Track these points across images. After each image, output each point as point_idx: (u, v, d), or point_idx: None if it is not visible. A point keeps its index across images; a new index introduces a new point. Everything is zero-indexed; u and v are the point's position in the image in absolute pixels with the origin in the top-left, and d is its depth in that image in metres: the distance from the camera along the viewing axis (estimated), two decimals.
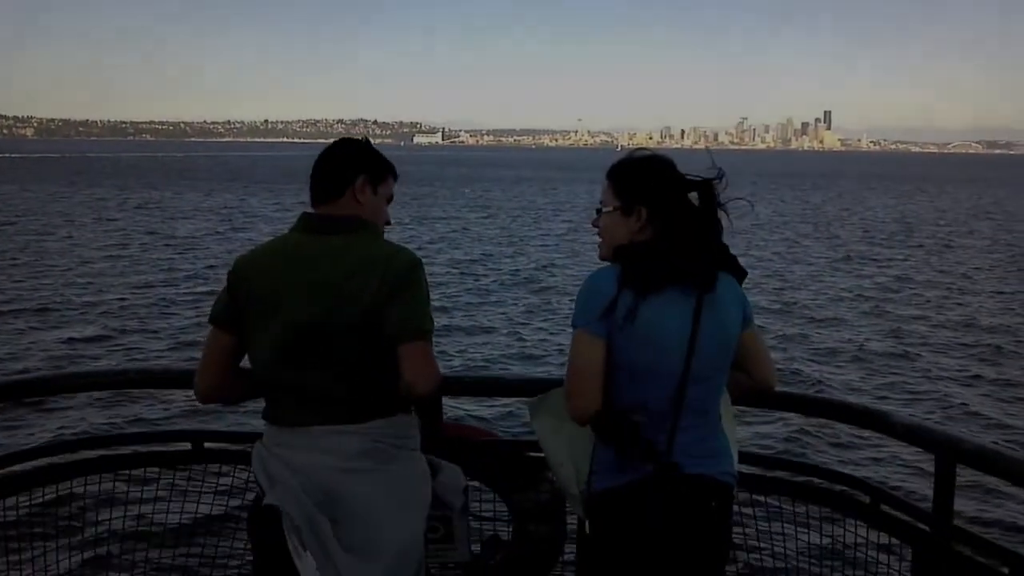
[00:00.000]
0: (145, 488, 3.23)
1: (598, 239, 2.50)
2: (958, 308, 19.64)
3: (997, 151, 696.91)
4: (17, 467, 2.87)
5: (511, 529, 3.25)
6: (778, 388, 2.67)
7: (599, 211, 2.50)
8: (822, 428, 10.13)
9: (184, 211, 41.10)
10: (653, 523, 2.28)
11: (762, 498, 3.03)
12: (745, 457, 2.73)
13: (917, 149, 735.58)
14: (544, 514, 3.14)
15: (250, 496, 2.74)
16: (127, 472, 3.09)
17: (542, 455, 2.73)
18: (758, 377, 2.58)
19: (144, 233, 31.20)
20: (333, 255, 2.38)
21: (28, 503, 2.93)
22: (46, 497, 2.98)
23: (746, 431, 9.60)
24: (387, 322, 2.32)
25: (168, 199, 49.08)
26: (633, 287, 2.27)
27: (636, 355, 2.28)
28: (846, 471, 3.17)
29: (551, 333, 16.23)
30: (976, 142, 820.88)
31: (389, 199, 2.59)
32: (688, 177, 2.45)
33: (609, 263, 2.39)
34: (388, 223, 2.59)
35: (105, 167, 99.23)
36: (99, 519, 3.27)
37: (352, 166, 2.51)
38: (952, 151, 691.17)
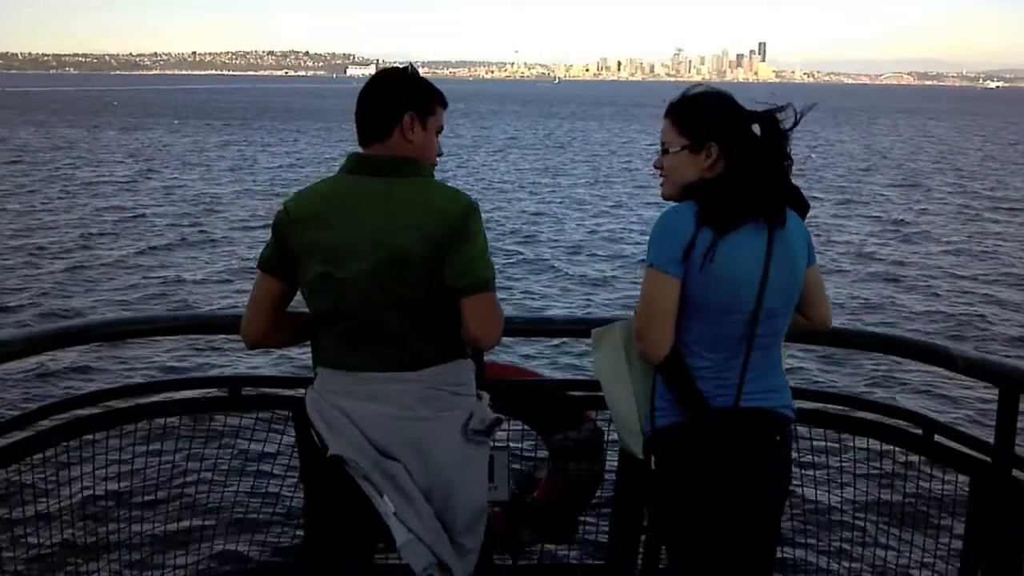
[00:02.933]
0: (182, 436, 3.17)
1: (661, 179, 2.46)
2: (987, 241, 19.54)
3: (928, 82, 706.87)
4: (52, 419, 2.83)
5: (549, 467, 3.38)
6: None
7: (665, 151, 2.43)
8: (877, 363, 10.21)
9: (98, 154, 38.70)
10: (719, 457, 2.31)
11: (819, 431, 3.05)
12: (797, 393, 2.69)
13: (850, 80, 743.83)
14: (583, 452, 3.19)
15: (288, 440, 2.86)
16: (163, 420, 3.03)
17: (583, 394, 2.89)
18: (816, 316, 2.57)
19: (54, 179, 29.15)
20: (386, 198, 2.32)
21: (66, 454, 2.88)
22: (83, 449, 2.92)
23: (798, 365, 9.78)
24: (447, 272, 2.29)
25: (83, 138, 46.45)
26: (712, 226, 2.25)
27: (711, 295, 2.26)
28: (903, 404, 3.18)
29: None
30: (908, 73, 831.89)
31: (439, 131, 2.51)
32: (751, 110, 2.40)
33: (677, 202, 2.36)
34: (440, 154, 2.52)
35: (23, 102, 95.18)
36: (135, 469, 3.21)
37: (398, 103, 2.42)
38: (884, 82, 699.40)
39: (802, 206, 2.42)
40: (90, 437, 2.92)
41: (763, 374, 2.37)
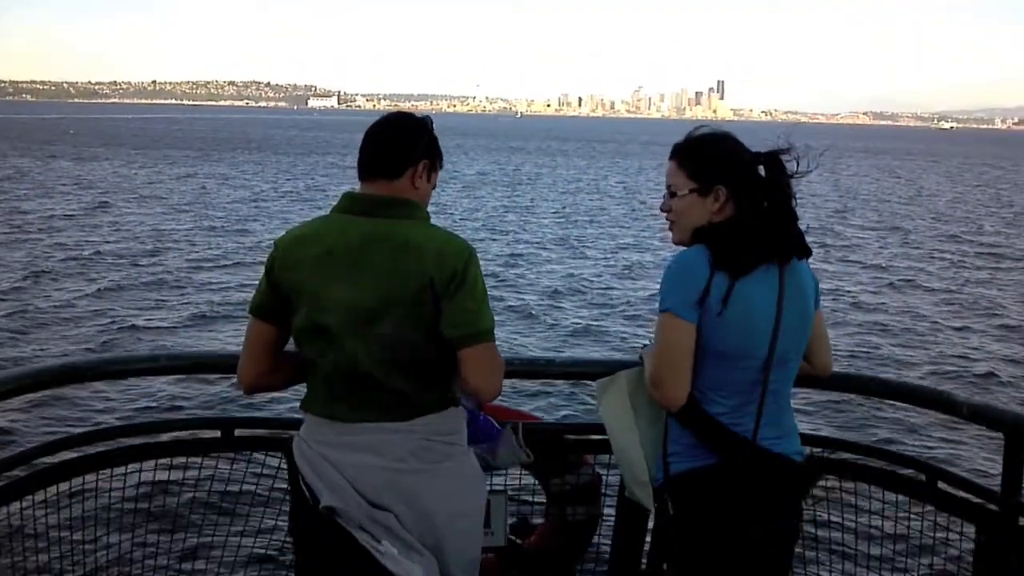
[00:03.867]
0: (173, 477, 3.17)
1: (669, 223, 2.45)
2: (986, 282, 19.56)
3: (883, 122, 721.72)
4: (41, 460, 2.77)
5: (547, 512, 3.37)
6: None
7: (672, 194, 2.41)
8: (878, 409, 10.06)
9: (49, 185, 37.10)
10: (739, 504, 2.28)
11: (819, 478, 3.01)
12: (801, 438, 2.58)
13: (807, 120, 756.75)
14: (582, 497, 3.17)
15: (281, 484, 2.83)
16: (154, 461, 3.00)
17: (582, 437, 2.99)
18: (818, 361, 2.57)
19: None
20: (384, 241, 2.25)
21: (55, 496, 2.82)
22: (72, 489, 2.86)
23: (797, 408, 8.74)
24: (445, 320, 2.24)
25: (36, 168, 44.75)
26: (726, 269, 2.23)
27: (727, 340, 2.25)
28: (902, 451, 3.19)
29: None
30: (864, 113, 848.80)
31: (429, 194, 2.46)
32: (755, 151, 2.42)
33: (687, 247, 2.34)
34: None
35: None
36: (125, 509, 3.15)
37: (417, 147, 2.38)
38: (840, 122, 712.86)
39: (804, 251, 2.38)
40: (81, 480, 2.87)
41: (775, 419, 2.35)
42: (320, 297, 2.27)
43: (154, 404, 9.89)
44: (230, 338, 13.11)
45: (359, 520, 2.26)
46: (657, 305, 2.34)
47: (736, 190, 2.34)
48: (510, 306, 16.31)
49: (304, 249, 2.32)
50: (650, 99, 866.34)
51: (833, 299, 17.11)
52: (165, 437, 3.12)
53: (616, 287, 18.60)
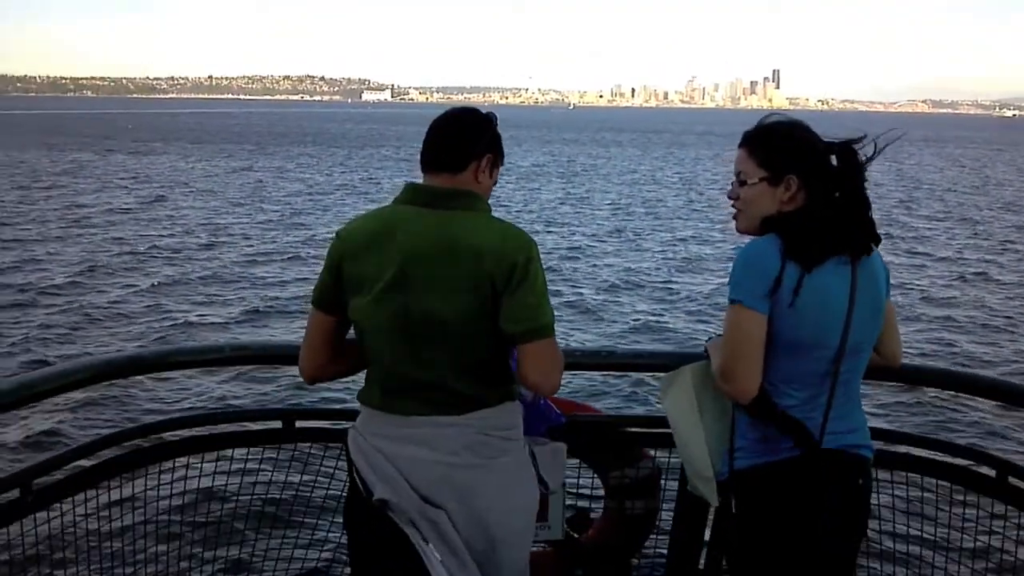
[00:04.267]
0: (234, 469, 3.10)
1: (735, 211, 2.39)
2: None
3: (943, 110, 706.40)
4: (105, 453, 2.78)
5: (605, 506, 3.32)
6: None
7: (741, 182, 2.36)
8: (944, 401, 9.83)
9: (106, 179, 37.49)
10: (808, 501, 2.25)
11: (885, 472, 2.92)
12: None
13: (864, 108, 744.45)
14: (641, 491, 3.12)
15: (341, 476, 2.75)
16: (215, 453, 3.00)
17: (641, 430, 2.91)
18: (888, 351, 2.52)
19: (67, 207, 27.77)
20: (445, 234, 2.23)
21: (119, 487, 2.84)
22: (135, 482, 2.89)
23: (865, 402, 8.63)
24: (505, 315, 2.21)
25: (94, 162, 45.35)
26: (798, 260, 2.19)
27: (798, 331, 2.21)
28: (970, 444, 3.19)
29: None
30: (922, 101, 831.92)
31: (494, 184, 2.44)
32: (828, 140, 2.34)
33: (753, 235, 2.32)
34: None
35: (39, 125, 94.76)
36: (186, 503, 3.21)
37: (482, 141, 2.36)
38: (899, 110, 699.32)
39: (875, 239, 2.32)
40: (144, 469, 2.89)
41: (846, 412, 2.32)
42: (374, 286, 2.26)
43: (211, 398, 9.82)
44: (285, 335, 12.91)
45: (410, 515, 2.25)
46: (724, 297, 2.30)
47: (808, 180, 2.29)
48: (567, 300, 15.93)
49: (365, 240, 2.30)
50: (704, 89, 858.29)
51: (902, 293, 16.51)
52: (225, 428, 3.09)
53: (676, 281, 18.14)
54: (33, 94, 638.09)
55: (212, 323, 13.81)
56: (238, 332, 13.33)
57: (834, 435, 2.28)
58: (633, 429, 3.11)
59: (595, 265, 19.69)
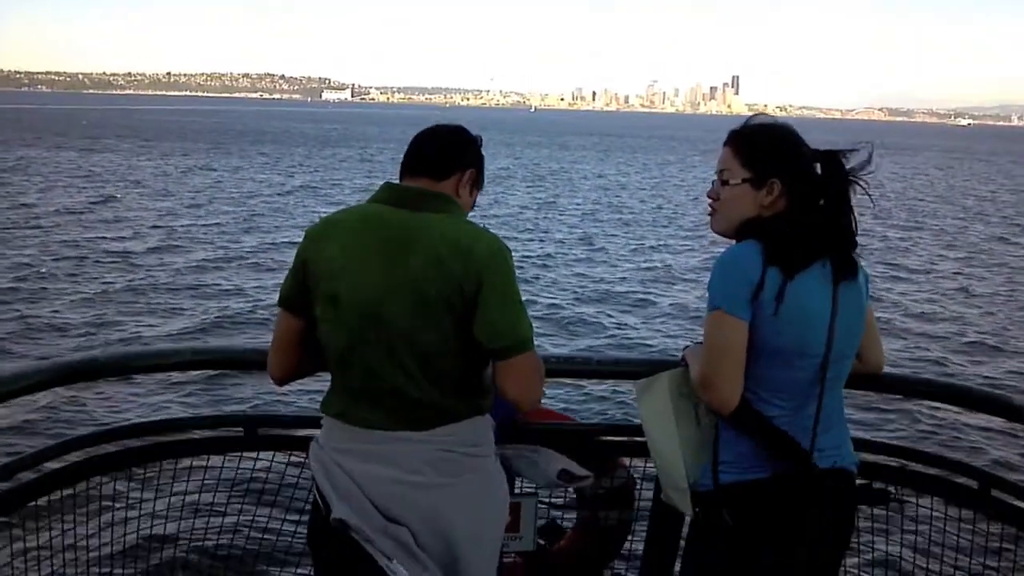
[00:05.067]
0: (194, 477, 2.95)
1: (710, 210, 2.37)
2: None
3: (898, 118, 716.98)
4: (60, 459, 2.70)
5: (578, 516, 3.30)
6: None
7: (724, 182, 2.30)
8: (925, 411, 9.72)
9: (53, 178, 35.98)
10: (794, 519, 2.20)
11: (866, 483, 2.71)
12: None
13: (821, 115, 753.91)
14: (615, 501, 3.11)
15: (305, 485, 2.70)
16: (174, 460, 2.88)
17: (616, 439, 2.90)
18: (870, 358, 2.50)
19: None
20: (417, 237, 2.15)
21: (72, 495, 2.71)
22: (91, 489, 2.77)
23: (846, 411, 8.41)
24: (479, 327, 2.12)
25: (41, 159, 43.66)
26: (780, 266, 2.14)
27: (780, 338, 2.15)
28: (953, 457, 3.03)
29: None
30: (879, 109, 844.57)
31: (471, 208, 2.37)
32: (813, 148, 2.31)
33: (727, 238, 2.31)
34: None
35: None
36: (142, 512, 3.03)
37: (468, 155, 2.34)
38: (855, 117, 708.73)
39: (852, 244, 2.28)
40: (98, 478, 2.77)
41: (833, 423, 2.27)
42: (345, 292, 2.18)
43: (171, 403, 9.47)
44: (245, 342, 11.86)
45: (371, 534, 2.15)
46: (697, 308, 1.99)
47: (791, 185, 2.24)
48: (538, 310, 15.30)
49: (333, 240, 2.22)
50: (664, 94, 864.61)
51: (880, 306, 15.97)
52: (184, 436, 2.98)
53: (648, 291, 17.63)
54: None
55: (162, 334, 12.88)
56: (190, 343, 12.27)
57: (823, 452, 2.22)
58: (608, 438, 3.06)
59: (565, 274, 19.09)
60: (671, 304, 16.09)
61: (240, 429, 2.97)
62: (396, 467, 2.19)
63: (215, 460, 3.01)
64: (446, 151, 2.31)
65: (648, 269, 19.91)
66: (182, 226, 23.45)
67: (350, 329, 2.19)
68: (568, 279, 18.50)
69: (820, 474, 2.21)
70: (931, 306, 16.81)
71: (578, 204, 33.18)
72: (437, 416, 2.21)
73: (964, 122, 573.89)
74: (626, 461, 3.08)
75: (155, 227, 23.06)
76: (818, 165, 2.29)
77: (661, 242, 24.07)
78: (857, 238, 2.29)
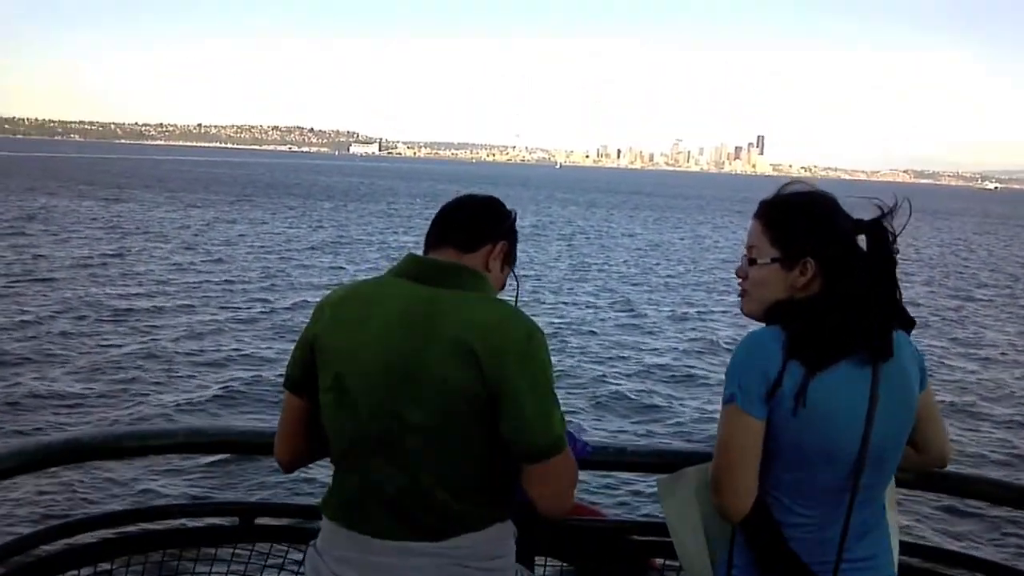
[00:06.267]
0: (183, 569, 2.75)
1: (740, 289, 2.12)
2: None
3: (924, 180, 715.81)
4: (31, 553, 2.52)
5: None
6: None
7: (752, 260, 2.06)
8: (985, 511, 8.70)
9: (71, 228, 34.99)
10: None
11: None
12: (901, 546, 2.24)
13: (847, 176, 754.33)
14: None
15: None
16: (161, 552, 2.68)
17: (649, 539, 2.71)
18: (931, 450, 2.18)
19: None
20: (431, 313, 1.91)
21: None
22: None
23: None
24: (506, 425, 1.88)
25: (62, 207, 42.86)
26: (803, 359, 1.88)
27: (803, 437, 1.90)
28: (1012, 565, 2.73)
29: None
30: (904, 171, 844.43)
31: (502, 287, 2.15)
32: (857, 218, 2.04)
33: (759, 321, 2.05)
34: None
35: (21, 168, 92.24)
36: None
37: (501, 227, 2.11)
38: (881, 179, 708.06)
39: (906, 322, 2.02)
40: (76, 573, 2.56)
41: (867, 532, 1.99)
42: (354, 379, 1.94)
43: (163, 486, 8.82)
44: (246, 421, 10.88)
45: None
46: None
47: (828, 264, 1.97)
48: (572, 381, 14.04)
49: (343, 316, 2.00)
50: (689, 152, 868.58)
51: (944, 385, 14.86)
52: (175, 524, 2.70)
53: (692, 364, 16.19)
54: (20, 136, 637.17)
55: (158, 407, 11.61)
56: (186, 420, 11.11)
57: (854, 564, 1.95)
58: (640, 537, 2.71)
59: (602, 343, 17.71)
60: (718, 382, 14.52)
61: (236, 518, 2.75)
62: None
63: (207, 551, 2.75)
64: (477, 220, 2.09)
65: (693, 340, 18.46)
66: (194, 283, 22.20)
67: (357, 420, 1.94)
68: (605, 349, 17.12)
69: None
70: (997, 383, 15.46)
71: (613, 265, 31.76)
72: (452, 524, 1.94)
73: (991, 186, 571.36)
74: (658, 562, 2.79)
75: (165, 283, 21.89)
76: (861, 236, 2.01)
77: (703, 309, 22.56)
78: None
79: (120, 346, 14.82)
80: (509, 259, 2.14)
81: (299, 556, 2.60)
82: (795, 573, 1.93)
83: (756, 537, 1.96)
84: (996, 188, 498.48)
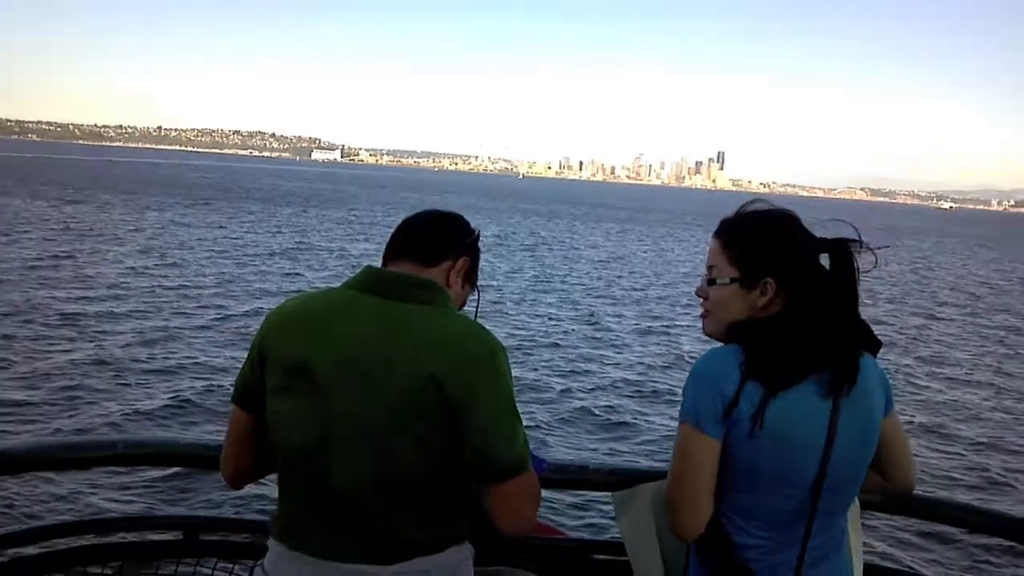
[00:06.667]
0: None
1: (701, 310, 2.08)
2: None
3: (880, 199, 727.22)
4: None
5: None
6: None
7: (711, 281, 2.03)
8: (955, 534, 8.47)
9: (20, 228, 33.97)
10: None
11: None
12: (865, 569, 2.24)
13: (804, 193, 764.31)
14: None
15: None
16: (100, 566, 2.60)
17: (611, 557, 2.65)
18: (895, 475, 2.13)
19: None
20: (389, 328, 1.83)
21: None
22: None
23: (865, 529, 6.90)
24: (468, 444, 1.80)
25: (11, 207, 41.60)
26: (761, 380, 1.84)
27: (759, 460, 1.86)
28: None
29: None
30: (861, 189, 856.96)
31: (462, 305, 2.08)
32: (819, 237, 2.00)
33: (721, 342, 1.99)
34: None
35: None
36: None
37: (464, 240, 2.06)
38: (838, 196, 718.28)
39: (872, 344, 1.97)
40: None
41: (824, 556, 1.95)
42: (304, 394, 1.84)
43: (104, 500, 8.39)
44: (190, 434, 10.31)
45: None
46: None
47: (789, 285, 1.93)
48: (536, 395, 13.60)
49: (294, 328, 1.90)
50: (650, 166, 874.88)
51: (910, 405, 14.71)
52: (115, 538, 2.62)
53: (660, 379, 15.82)
54: None
55: (97, 419, 10.99)
56: (132, 430, 10.61)
57: None
58: (601, 556, 2.68)
59: (565, 357, 17.26)
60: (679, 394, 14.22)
61: (179, 532, 2.66)
62: None
63: (148, 567, 2.64)
64: (439, 233, 2.03)
65: (658, 354, 18.13)
66: (147, 287, 21.44)
67: (306, 436, 1.83)
68: (568, 362, 16.72)
69: None
70: (966, 405, 15.28)
71: (577, 277, 31.41)
72: (408, 547, 1.86)
73: (946, 205, 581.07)
74: None
75: (116, 287, 21.09)
76: (824, 256, 1.97)
77: (669, 323, 22.26)
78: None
79: (67, 351, 14.17)
80: (470, 277, 2.08)
81: (245, 573, 2.52)
82: None
83: (710, 557, 1.93)
84: (951, 207, 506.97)
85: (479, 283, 2.16)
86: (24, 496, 8.26)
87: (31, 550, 2.54)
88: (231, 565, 2.74)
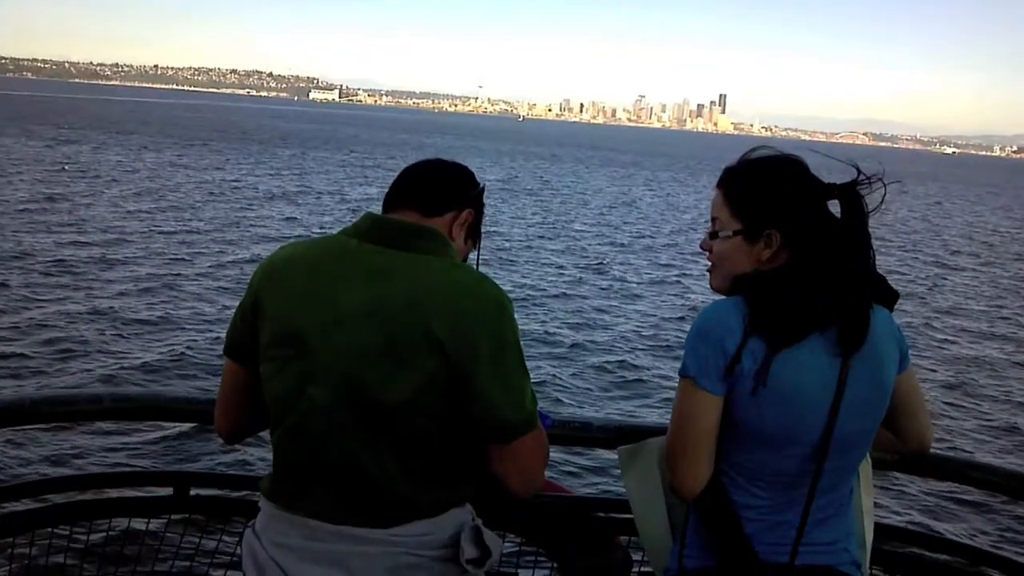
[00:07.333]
0: (113, 540, 2.70)
1: (708, 264, 1.99)
2: None
3: (882, 144, 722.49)
4: None
5: None
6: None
7: (714, 233, 1.94)
8: (956, 491, 8.35)
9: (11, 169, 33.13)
10: None
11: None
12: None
13: (806, 137, 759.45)
14: None
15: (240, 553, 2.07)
16: (88, 523, 2.58)
17: (614, 515, 2.62)
18: (909, 436, 2.05)
19: None
20: (391, 278, 1.74)
21: None
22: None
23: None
24: (473, 402, 1.72)
25: (4, 147, 40.71)
26: (764, 335, 1.75)
27: (762, 418, 1.78)
28: (997, 551, 2.69)
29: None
30: (863, 133, 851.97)
31: (465, 259, 1.98)
32: (827, 182, 1.88)
33: (726, 297, 1.87)
34: None
35: None
36: None
37: (469, 192, 1.96)
38: (840, 140, 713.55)
39: (888, 296, 1.88)
40: (8, 540, 2.50)
41: (829, 516, 1.88)
42: (300, 345, 1.75)
43: (94, 453, 8.24)
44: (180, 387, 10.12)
45: None
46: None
47: (794, 235, 1.82)
48: (545, 350, 13.11)
49: (289, 277, 1.81)
50: (651, 109, 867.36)
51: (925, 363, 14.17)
52: (105, 494, 2.61)
53: (670, 330, 15.41)
54: None
55: (85, 372, 10.54)
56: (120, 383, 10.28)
57: (813, 547, 1.83)
58: (605, 514, 2.65)
59: (575, 307, 16.77)
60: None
61: (170, 488, 2.60)
62: (350, 573, 1.76)
63: (138, 523, 2.64)
64: (444, 183, 1.93)
65: (669, 305, 17.75)
66: (141, 231, 20.87)
67: (301, 390, 1.75)
68: (575, 314, 16.23)
69: (797, 573, 1.82)
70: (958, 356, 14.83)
71: (583, 223, 30.76)
72: (406, 509, 1.78)
73: (949, 150, 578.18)
74: (623, 539, 2.60)
75: (110, 231, 20.51)
76: (832, 202, 1.86)
77: (680, 272, 21.77)
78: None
79: (59, 300, 13.73)
80: (473, 231, 1.98)
81: (237, 528, 2.41)
82: (747, 559, 1.82)
83: (710, 517, 1.88)
84: (954, 152, 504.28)
85: (486, 228, 2.00)
86: (9, 454, 7.99)
87: (19, 506, 2.50)
88: (224, 524, 2.74)
